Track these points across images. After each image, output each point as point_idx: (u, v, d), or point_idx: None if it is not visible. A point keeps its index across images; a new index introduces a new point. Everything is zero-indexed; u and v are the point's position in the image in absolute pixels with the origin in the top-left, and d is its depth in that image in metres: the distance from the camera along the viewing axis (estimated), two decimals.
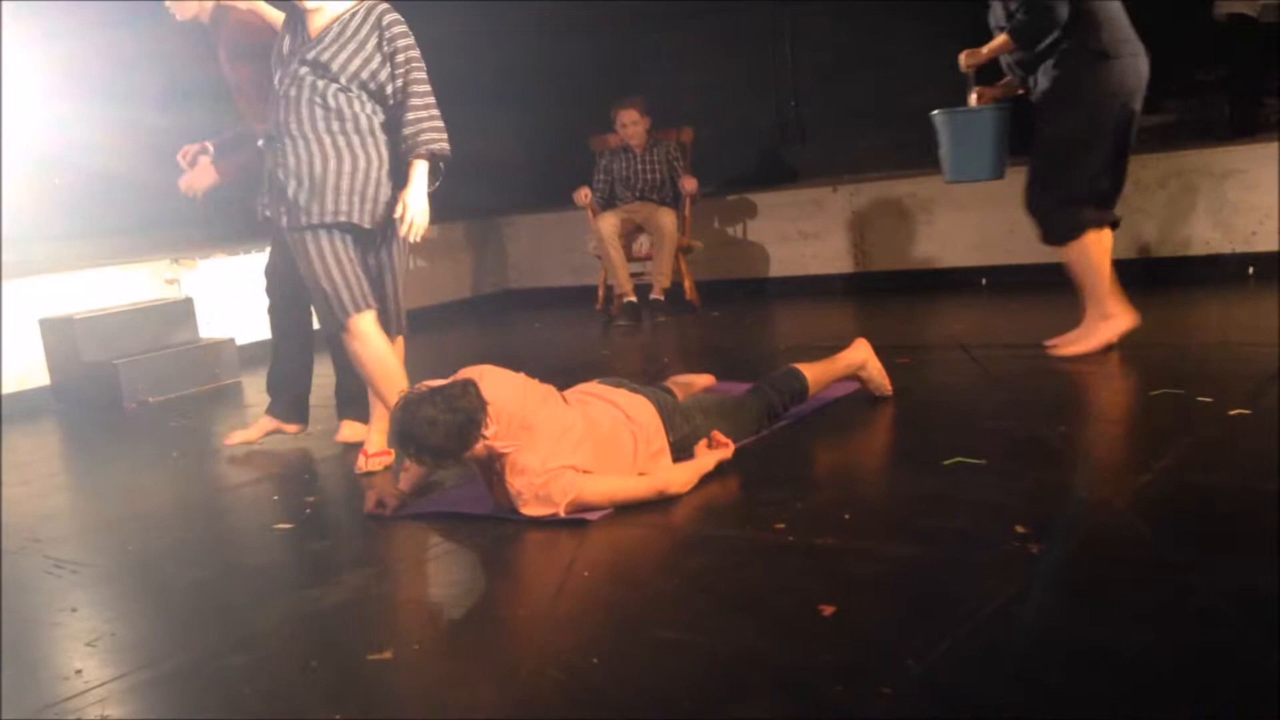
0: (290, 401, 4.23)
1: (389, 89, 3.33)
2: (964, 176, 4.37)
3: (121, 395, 5.45)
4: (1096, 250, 3.90)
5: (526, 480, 2.83)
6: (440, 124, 3.35)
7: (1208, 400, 3.28)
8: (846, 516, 2.68)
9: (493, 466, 2.89)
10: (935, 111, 4.32)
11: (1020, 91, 4.22)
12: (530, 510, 2.84)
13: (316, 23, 3.35)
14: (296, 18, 3.42)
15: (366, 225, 3.39)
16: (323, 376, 5.57)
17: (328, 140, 3.32)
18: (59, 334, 5.61)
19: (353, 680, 2.10)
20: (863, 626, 2.08)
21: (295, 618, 2.46)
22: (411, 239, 3.37)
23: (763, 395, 3.48)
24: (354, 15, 3.35)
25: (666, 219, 6.39)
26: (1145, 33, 4.02)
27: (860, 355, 3.68)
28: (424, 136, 3.31)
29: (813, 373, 3.58)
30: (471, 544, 2.78)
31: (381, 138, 3.37)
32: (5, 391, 5.52)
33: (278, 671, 2.20)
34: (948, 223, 6.39)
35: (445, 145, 3.35)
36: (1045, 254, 6.04)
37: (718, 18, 7.61)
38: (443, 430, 2.71)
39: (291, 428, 4.23)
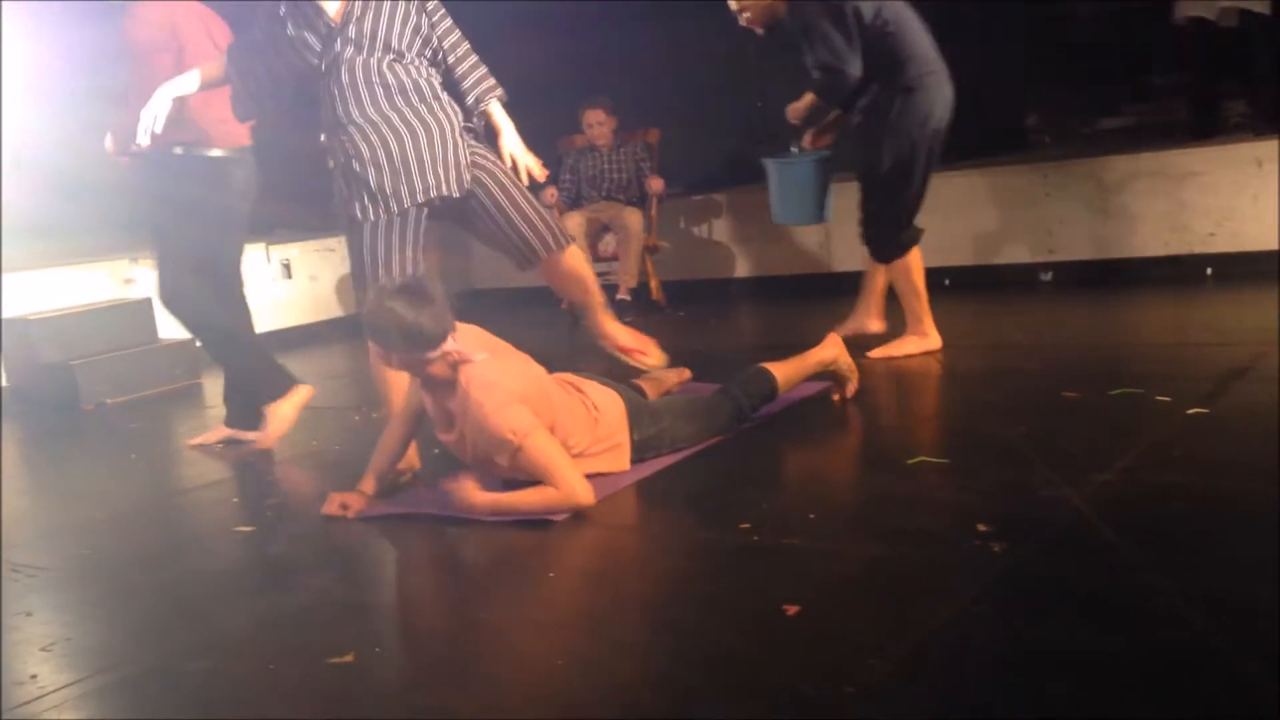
0: (243, 407, 4.18)
1: (433, 43, 3.22)
2: (788, 219, 4.80)
3: (79, 396, 5.37)
4: (918, 264, 4.26)
5: (492, 394, 2.83)
6: (484, 71, 3.33)
7: (1166, 400, 3.32)
8: (812, 516, 2.69)
9: (454, 392, 2.88)
10: (765, 159, 4.71)
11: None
12: (495, 423, 2.80)
13: (330, 4, 3.18)
14: (301, 10, 3.22)
15: (457, 194, 3.26)
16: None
17: (395, 118, 3.18)
18: (15, 334, 5.53)
19: (314, 684, 2.08)
20: (827, 626, 2.08)
21: (256, 621, 2.44)
22: (536, 176, 3.34)
23: (732, 396, 3.48)
24: None
25: (633, 219, 6.39)
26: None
27: (831, 352, 3.68)
28: (487, 82, 3.29)
29: (782, 372, 3.58)
30: (435, 545, 2.76)
31: (443, 97, 3.26)
32: None
33: (238, 676, 2.18)
34: None
35: (490, 86, 3.33)
36: (1008, 255, 6.12)
37: (684, 18, 7.60)
38: (411, 320, 2.77)
39: (249, 435, 4.18)
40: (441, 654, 2.25)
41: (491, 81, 3.29)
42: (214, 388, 5.64)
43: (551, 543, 2.72)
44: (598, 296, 3.57)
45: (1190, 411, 3.18)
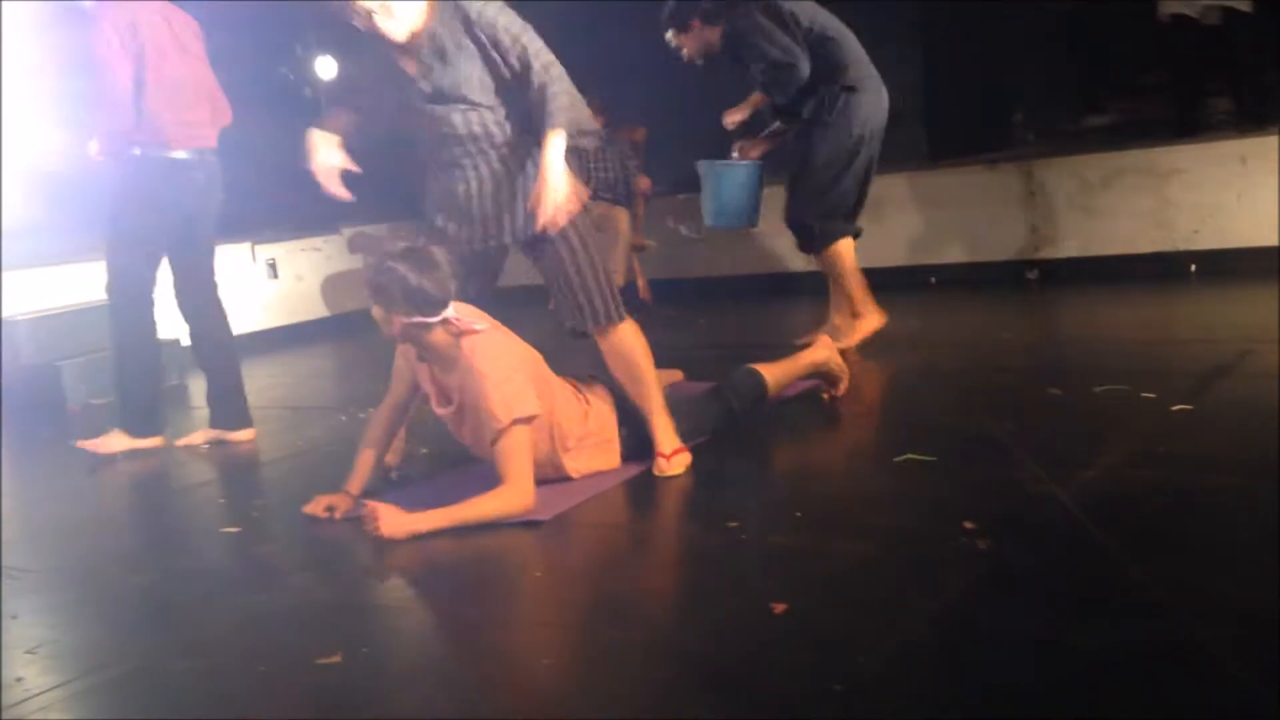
0: (141, 412, 4.17)
1: (506, 76, 3.04)
2: (721, 223, 4.78)
3: (64, 398, 5.34)
4: (849, 254, 4.43)
5: (496, 366, 2.84)
6: (571, 92, 3.00)
7: (1151, 396, 3.33)
8: (798, 514, 2.69)
9: (454, 365, 2.89)
10: (700, 161, 4.72)
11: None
12: (493, 396, 2.80)
13: (399, 39, 3.03)
14: (387, 59, 3.13)
15: (511, 243, 3.21)
16: (261, 379, 5.51)
17: (467, 165, 3.12)
18: (1, 335, 5.49)
19: (302, 684, 2.08)
20: (814, 624, 2.08)
21: (242, 622, 2.43)
22: (558, 221, 2.98)
23: (722, 397, 3.47)
24: (438, 23, 3.02)
25: (620, 217, 6.39)
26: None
27: (823, 354, 3.68)
28: (552, 106, 2.96)
29: (773, 373, 3.57)
30: (421, 545, 2.75)
31: (513, 141, 3.11)
32: None
33: (225, 677, 2.17)
34: (897, 221, 6.43)
35: (580, 113, 3.01)
36: (994, 253, 6.14)
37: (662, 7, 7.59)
38: (414, 281, 2.79)
39: (234, 435, 4.19)
40: (428, 654, 2.25)
41: (552, 113, 2.96)
42: (200, 388, 5.62)
43: (539, 541, 2.72)
44: (649, 389, 3.15)
45: (1175, 408, 3.19)
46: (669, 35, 4.44)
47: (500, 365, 2.86)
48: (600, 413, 3.15)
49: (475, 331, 2.88)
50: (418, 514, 2.77)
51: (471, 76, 3.03)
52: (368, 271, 2.90)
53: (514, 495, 2.80)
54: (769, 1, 4.28)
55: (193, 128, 4.06)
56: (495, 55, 3.02)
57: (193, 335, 4.29)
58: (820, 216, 4.38)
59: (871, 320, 4.53)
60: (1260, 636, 1.85)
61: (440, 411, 3.02)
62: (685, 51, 4.49)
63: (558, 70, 3.00)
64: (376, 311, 2.90)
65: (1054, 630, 1.95)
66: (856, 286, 4.50)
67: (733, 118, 4.49)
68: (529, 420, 2.86)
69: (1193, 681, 1.75)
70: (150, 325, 4.20)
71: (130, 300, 4.12)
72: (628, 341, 3.12)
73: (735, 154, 4.62)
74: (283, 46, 7.55)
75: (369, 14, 2.96)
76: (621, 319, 3.14)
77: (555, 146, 2.94)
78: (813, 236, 4.44)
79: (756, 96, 4.40)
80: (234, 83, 7.38)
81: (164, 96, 3.91)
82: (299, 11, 7.49)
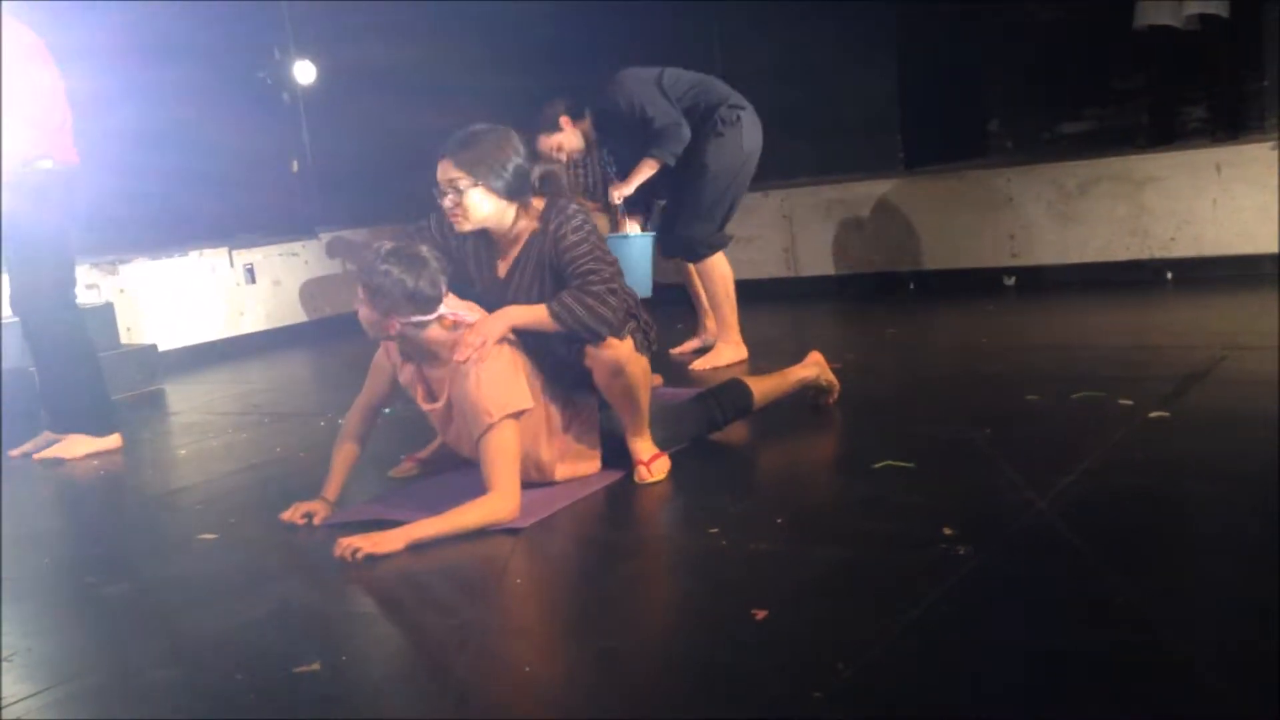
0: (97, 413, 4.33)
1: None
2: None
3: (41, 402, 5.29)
4: (727, 271, 4.72)
5: (490, 361, 2.83)
6: (590, 308, 2.94)
7: (1128, 403, 3.36)
8: (779, 521, 2.70)
9: (444, 359, 2.90)
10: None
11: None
12: (483, 392, 2.80)
13: (501, 244, 3.11)
14: (477, 257, 3.18)
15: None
16: (238, 385, 5.50)
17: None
18: None
19: (279, 693, 2.06)
20: (795, 630, 2.09)
21: (220, 630, 2.41)
22: (469, 356, 2.87)
23: (706, 406, 3.47)
24: (537, 241, 3.07)
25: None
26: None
27: (813, 371, 3.68)
28: (565, 300, 2.95)
29: (760, 387, 3.55)
30: (401, 552, 2.74)
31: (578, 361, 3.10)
32: None
33: (202, 685, 2.15)
34: (875, 228, 6.47)
35: (573, 324, 2.95)
36: (971, 260, 6.17)
37: (645, 22, 7.61)
38: (411, 283, 2.81)
39: (107, 442, 4.33)
40: (408, 662, 2.24)
41: (569, 304, 2.95)
42: (177, 394, 5.59)
43: (519, 547, 2.71)
44: (637, 402, 3.10)
45: (1152, 415, 3.22)
46: (542, 143, 4.52)
47: (495, 362, 2.86)
48: (583, 417, 3.15)
49: (470, 325, 2.88)
50: (398, 530, 2.76)
51: (554, 287, 3.06)
52: (362, 275, 2.87)
53: (498, 503, 2.80)
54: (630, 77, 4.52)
55: (62, 137, 4.19)
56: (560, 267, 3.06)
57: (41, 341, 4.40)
58: (707, 228, 4.62)
59: (729, 351, 4.70)
60: (1236, 643, 1.86)
61: (427, 408, 3.02)
62: (564, 154, 4.66)
63: (597, 290, 2.98)
64: (365, 314, 2.88)
65: (1032, 636, 1.96)
66: (728, 308, 4.72)
67: (621, 192, 4.65)
68: (519, 415, 2.86)
69: (1169, 690, 1.76)
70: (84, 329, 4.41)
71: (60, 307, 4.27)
72: (623, 361, 3.04)
73: (628, 226, 4.79)
74: (261, 50, 7.52)
75: (446, 207, 3.02)
76: (620, 337, 3.06)
77: (533, 312, 2.97)
78: (699, 248, 4.64)
79: (646, 165, 4.52)
80: (212, 86, 7.39)
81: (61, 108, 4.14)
82: (277, 14, 7.48)
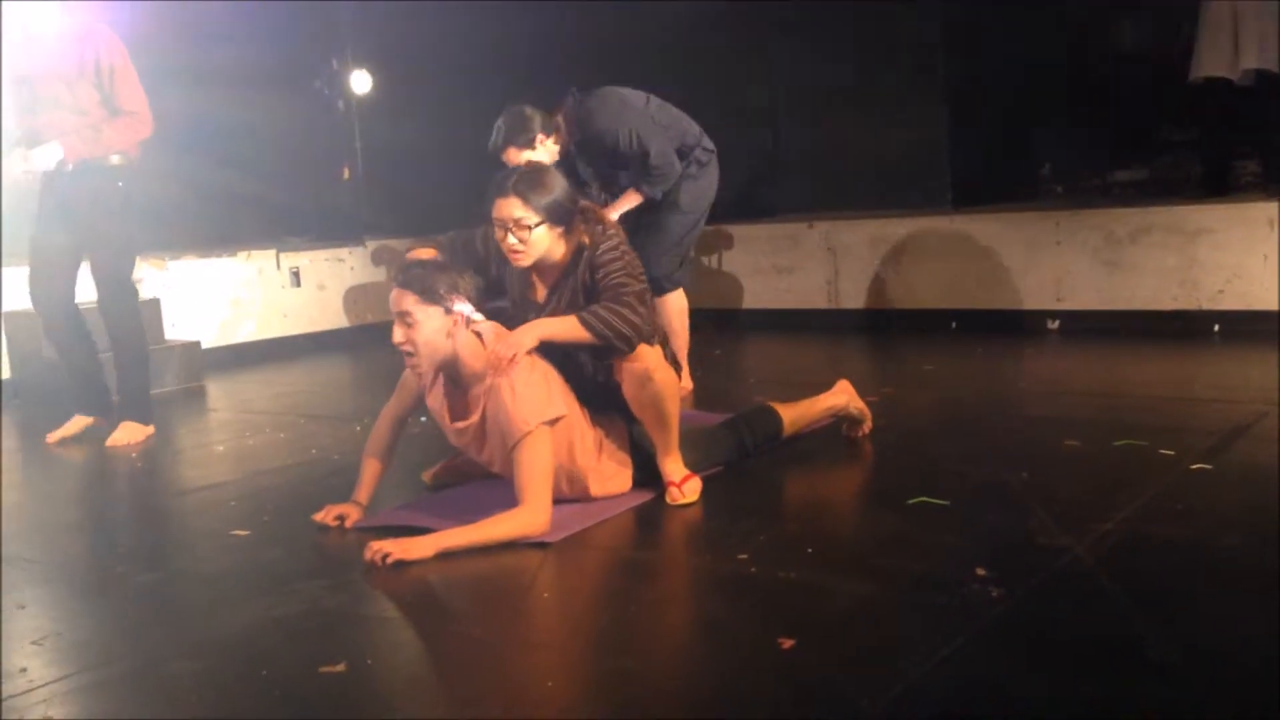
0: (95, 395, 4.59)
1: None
2: None
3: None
4: (682, 299, 4.80)
5: (526, 371, 2.86)
6: (621, 315, 2.96)
7: (1169, 453, 3.31)
8: (809, 551, 2.68)
9: (476, 376, 2.91)
10: None
11: None
12: (518, 399, 2.81)
13: (542, 268, 3.14)
14: (515, 279, 3.20)
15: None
16: (278, 386, 5.55)
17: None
18: (22, 329, 5.53)
19: (303, 692, 2.07)
20: (820, 662, 2.07)
21: (247, 626, 2.43)
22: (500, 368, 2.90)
23: (735, 431, 3.47)
24: (572, 267, 3.10)
25: None
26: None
27: (842, 399, 3.67)
28: (595, 310, 2.97)
29: (790, 414, 3.55)
30: (433, 559, 2.75)
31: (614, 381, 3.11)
32: None
33: (226, 680, 2.17)
34: (921, 264, 6.44)
35: (604, 332, 2.95)
36: (1016, 302, 6.13)
37: (701, 50, 7.66)
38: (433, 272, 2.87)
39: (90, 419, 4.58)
40: (432, 669, 2.25)
41: (593, 313, 2.97)
42: (217, 391, 5.65)
43: (548, 563, 2.71)
44: (668, 420, 3.08)
45: (1193, 466, 3.18)
46: (510, 157, 4.36)
47: (521, 371, 2.87)
48: (614, 434, 3.15)
49: (498, 336, 2.91)
50: (428, 537, 2.77)
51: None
52: (401, 274, 2.90)
53: (529, 517, 2.80)
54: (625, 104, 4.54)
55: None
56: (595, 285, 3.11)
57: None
58: (673, 264, 4.69)
59: (684, 382, 4.68)
60: (1269, 699, 1.83)
61: (457, 426, 3.02)
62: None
63: (627, 302, 3.00)
64: (396, 332, 2.88)
65: (1062, 684, 1.93)
66: (682, 341, 4.78)
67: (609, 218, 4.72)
68: (553, 423, 2.86)
69: None
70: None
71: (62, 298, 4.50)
72: (652, 369, 3.03)
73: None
74: (319, 59, 7.63)
75: (508, 245, 3.05)
76: (651, 344, 3.07)
77: (563, 323, 2.97)
78: (663, 283, 4.67)
79: (633, 195, 4.52)
80: (269, 93, 7.49)
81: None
82: (336, 25, 7.58)
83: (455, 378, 2.98)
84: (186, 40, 6.96)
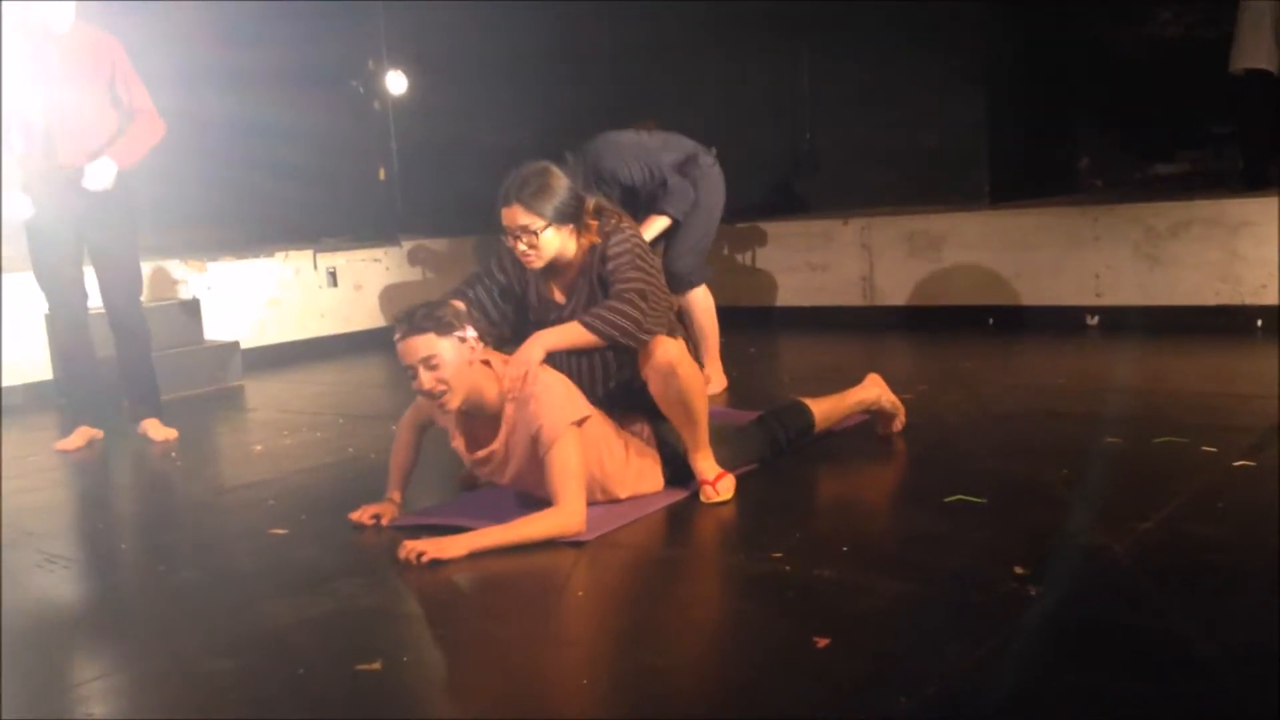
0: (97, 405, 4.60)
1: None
2: None
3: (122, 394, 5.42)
4: (708, 297, 4.87)
5: (550, 387, 2.87)
6: (620, 311, 2.97)
7: (1211, 450, 3.27)
8: (845, 549, 2.67)
9: (494, 406, 2.91)
10: None
11: None
12: (543, 411, 2.82)
13: (559, 269, 3.15)
14: (535, 287, 3.21)
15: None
16: (315, 385, 5.58)
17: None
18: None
19: (340, 690, 2.08)
20: (856, 660, 2.06)
21: (284, 624, 2.45)
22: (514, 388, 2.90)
23: (767, 427, 3.46)
24: (588, 265, 3.12)
25: None
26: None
27: (873, 393, 3.66)
28: (596, 310, 3.00)
29: (821, 408, 3.55)
30: (466, 558, 2.76)
31: (637, 382, 3.12)
32: (6, 384, 5.51)
33: (263, 677, 2.18)
34: (956, 261, 6.39)
35: (607, 331, 2.97)
36: (1054, 297, 6.07)
37: (736, 47, 7.64)
38: (411, 310, 2.89)
39: (98, 432, 4.56)
40: (468, 666, 2.25)
41: (601, 314, 2.98)
42: (255, 391, 5.70)
43: (582, 561, 2.71)
44: (697, 415, 3.07)
45: (1235, 464, 3.13)
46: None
47: (555, 386, 2.89)
48: (641, 436, 3.15)
49: (506, 360, 2.93)
50: (463, 536, 2.78)
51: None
52: (405, 324, 2.88)
53: (564, 517, 2.80)
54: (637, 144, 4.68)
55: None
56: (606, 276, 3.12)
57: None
58: (696, 261, 4.77)
59: (714, 380, 4.72)
60: None
61: (478, 457, 3.00)
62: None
63: (630, 299, 3.01)
64: (424, 379, 2.84)
65: (1100, 683, 1.91)
66: (713, 338, 4.85)
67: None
68: (581, 423, 2.87)
69: None
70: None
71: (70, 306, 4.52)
72: (675, 363, 3.02)
73: None
74: (356, 59, 7.68)
75: (520, 251, 3.07)
76: (675, 335, 3.09)
77: (565, 330, 2.99)
78: (689, 279, 4.75)
79: (660, 220, 4.59)
80: (305, 93, 7.54)
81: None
82: (373, 26, 7.63)
83: (472, 408, 2.96)
84: (223, 42, 7.04)
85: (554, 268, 3.15)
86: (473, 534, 2.79)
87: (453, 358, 2.83)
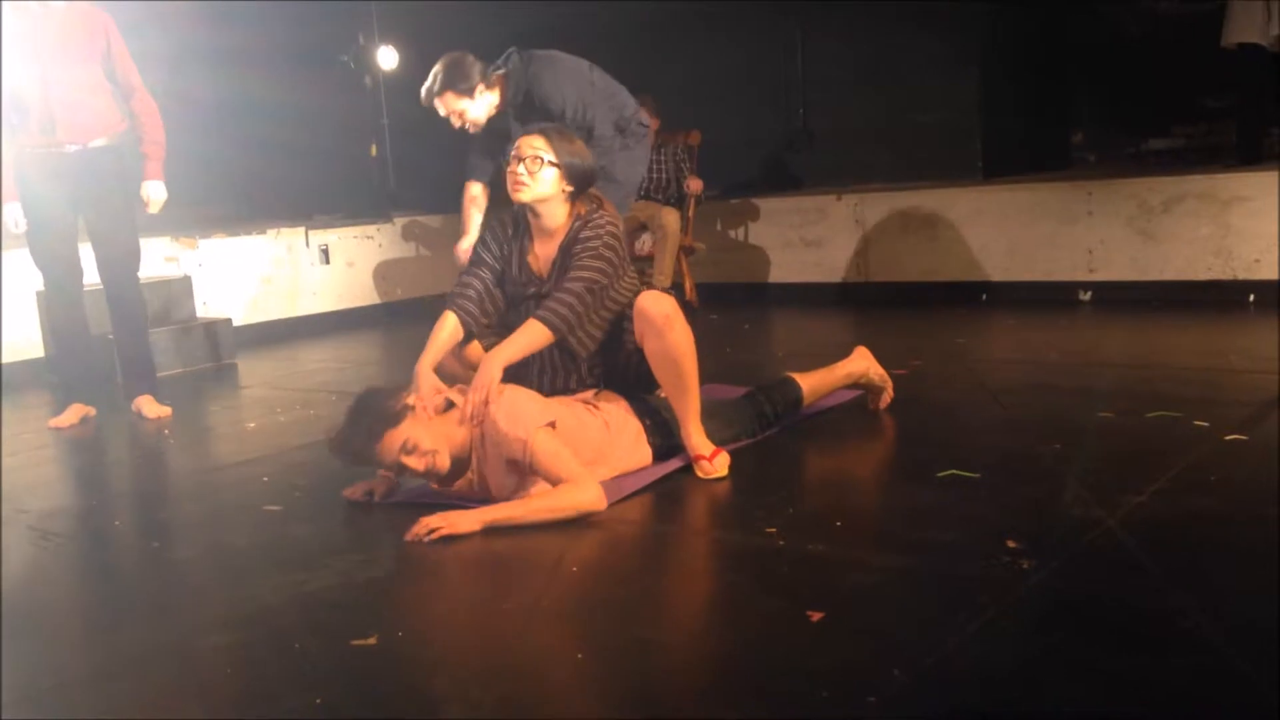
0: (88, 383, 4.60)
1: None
2: None
3: (116, 371, 5.41)
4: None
5: (508, 404, 2.86)
6: (570, 309, 3.06)
7: (1204, 424, 3.28)
8: (838, 524, 2.67)
9: (463, 441, 2.91)
10: None
11: None
12: (507, 429, 2.82)
13: (543, 241, 3.20)
14: (519, 220, 3.25)
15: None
16: (308, 363, 5.57)
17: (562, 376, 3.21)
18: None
19: (335, 665, 2.09)
20: (851, 635, 2.07)
21: (279, 600, 2.45)
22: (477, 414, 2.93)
23: (756, 403, 3.47)
24: (574, 233, 3.15)
25: (670, 218, 6.38)
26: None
27: (861, 365, 3.66)
28: (549, 304, 3.06)
29: (809, 382, 3.56)
30: (461, 534, 2.76)
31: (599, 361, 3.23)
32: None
33: (258, 653, 2.19)
34: (949, 237, 6.39)
35: (557, 325, 3.05)
36: (1047, 273, 6.07)
37: (731, 24, 7.61)
38: (350, 434, 2.88)
39: (91, 409, 4.55)
40: (463, 641, 2.26)
41: (552, 308, 3.05)
42: (248, 368, 5.69)
43: (576, 537, 2.72)
44: (688, 387, 3.09)
45: (1228, 437, 3.14)
46: (446, 103, 4.25)
47: (503, 401, 2.89)
48: (617, 415, 3.14)
49: (460, 390, 2.94)
50: (475, 511, 2.77)
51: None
52: (371, 429, 2.87)
53: (579, 493, 2.79)
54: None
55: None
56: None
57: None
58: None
59: None
60: None
61: (458, 488, 3.01)
62: (464, 122, 4.30)
63: (581, 289, 3.07)
64: (413, 464, 2.85)
65: (1094, 655, 1.92)
66: None
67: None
68: (549, 426, 2.87)
69: (1229, 712, 1.71)
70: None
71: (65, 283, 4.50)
72: (671, 314, 3.05)
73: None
74: (346, 34, 7.63)
75: (514, 174, 3.11)
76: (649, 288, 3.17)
77: (513, 343, 3.03)
78: None
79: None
80: (294, 72, 7.50)
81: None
82: (361, 1, 7.58)
83: (452, 450, 2.94)
84: (212, 18, 6.99)
85: (539, 238, 3.18)
86: (485, 509, 2.79)
87: (423, 431, 2.85)
